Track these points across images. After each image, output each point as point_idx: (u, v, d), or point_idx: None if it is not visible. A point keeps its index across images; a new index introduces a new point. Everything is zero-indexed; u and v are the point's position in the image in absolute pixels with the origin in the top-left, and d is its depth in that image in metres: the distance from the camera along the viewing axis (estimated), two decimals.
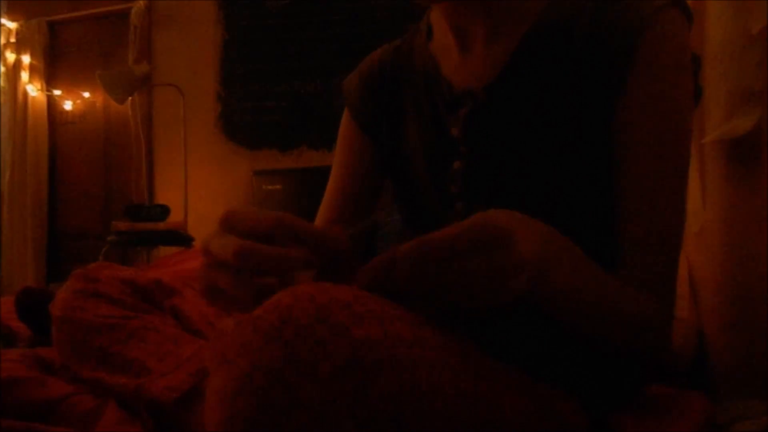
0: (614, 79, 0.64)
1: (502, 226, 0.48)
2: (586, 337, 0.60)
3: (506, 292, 0.48)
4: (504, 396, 0.54)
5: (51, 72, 3.95)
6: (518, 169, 0.69)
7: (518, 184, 0.69)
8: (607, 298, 0.59)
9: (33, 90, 3.89)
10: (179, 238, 3.12)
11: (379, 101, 0.82)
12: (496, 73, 0.71)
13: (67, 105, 3.90)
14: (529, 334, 0.68)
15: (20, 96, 3.89)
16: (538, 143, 0.68)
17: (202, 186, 3.50)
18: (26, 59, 3.89)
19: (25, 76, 3.90)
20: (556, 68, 0.68)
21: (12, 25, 3.95)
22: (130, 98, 3.31)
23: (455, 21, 0.74)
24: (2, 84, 3.93)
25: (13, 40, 3.94)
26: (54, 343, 0.90)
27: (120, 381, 0.81)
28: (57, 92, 3.91)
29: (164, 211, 3.13)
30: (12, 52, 3.92)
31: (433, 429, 0.46)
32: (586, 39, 0.66)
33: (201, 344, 0.86)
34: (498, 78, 0.71)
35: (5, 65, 3.93)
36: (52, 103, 3.94)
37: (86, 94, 3.84)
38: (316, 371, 0.41)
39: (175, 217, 3.22)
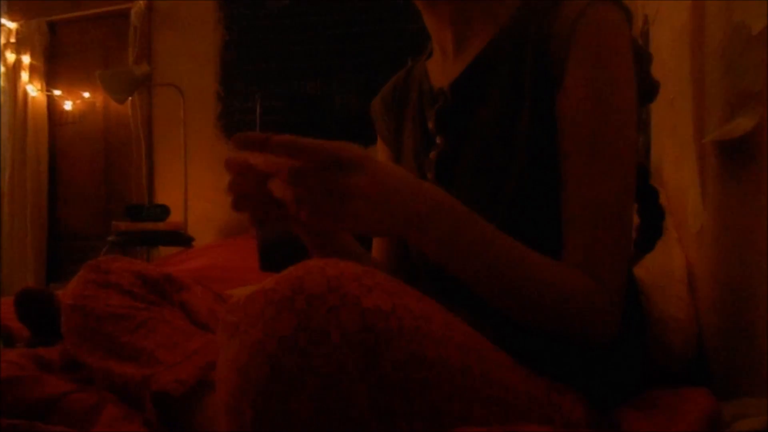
0: (556, 68, 0.69)
1: (358, 155, 0.56)
2: (504, 308, 0.63)
3: (342, 213, 0.55)
4: (504, 379, 0.55)
5: (51, 72, 3.94)
6: (478, 157, 0.75)
7: (478, 172, 0.75)
8: (521, 267, 0.62)
9: (33, 90, 3.89)
10: (179, 238, 3.13)
11: (393, 115, 0.91)
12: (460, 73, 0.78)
13: (67, 105, 3.90)
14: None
15: (20, 96, 3.89)
16: (495, 135, 0.73)
17: (202, 186, 3.49)
18: (26, 59, 3.89)
19: (25, 76, 3.89)
20: (513, 68, 0.73)
21: (12, 25, 3.94)
22: (130, 98, 3.31)
23: (430, 27, 0.82)
24: (2, 84, 3.93)
25: (13, 40, 3.93)
26: (63, 332, 0.90)
27: (127, 371, 0.82)
28: (57, 92, 3.91)
29: (164, 211, 3.13)
30: (12, 52, 3.92)
31: (438, 400, 0.47)
32: (536, 37, 0.71)
33: (209, 338, 0.87)
34: (460, 77, 0.77)
35: (5, 65, 3.92)
36: (52, 103, 3.94)
37: (86, 94, 3.84)
38: (328, 338, 0.42)
39: (175, 217, 3.22)
